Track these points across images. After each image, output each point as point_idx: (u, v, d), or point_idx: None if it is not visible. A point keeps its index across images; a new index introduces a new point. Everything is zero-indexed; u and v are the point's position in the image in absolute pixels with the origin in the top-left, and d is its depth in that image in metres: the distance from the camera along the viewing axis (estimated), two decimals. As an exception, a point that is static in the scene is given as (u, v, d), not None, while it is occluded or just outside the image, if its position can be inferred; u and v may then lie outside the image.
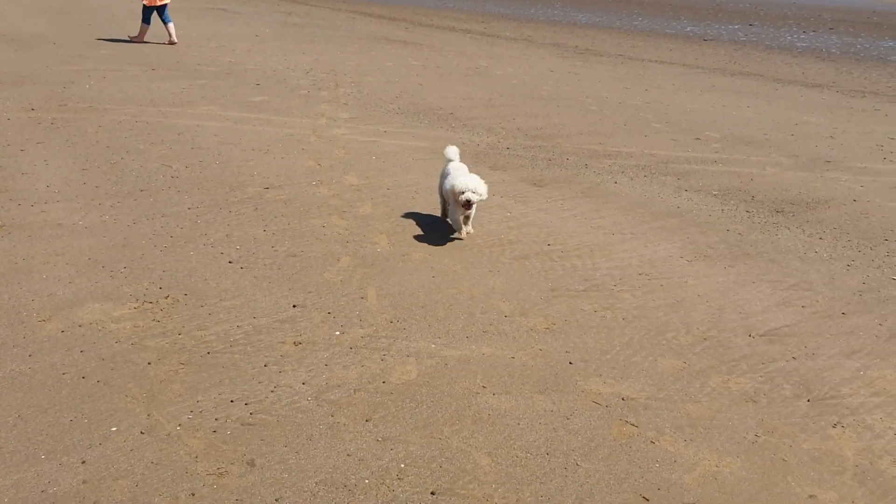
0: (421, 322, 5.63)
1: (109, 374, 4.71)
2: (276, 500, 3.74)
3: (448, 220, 7.44)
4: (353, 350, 5.18)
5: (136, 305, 5.60)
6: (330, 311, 5.71)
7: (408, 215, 7.88)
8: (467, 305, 5.95)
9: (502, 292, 6.20)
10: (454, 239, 7.24)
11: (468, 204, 6.80)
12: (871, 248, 7.83)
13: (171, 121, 11.19)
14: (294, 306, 5.75)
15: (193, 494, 3.74)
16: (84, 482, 3.79)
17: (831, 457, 4.36)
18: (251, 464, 3.97)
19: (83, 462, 3.93)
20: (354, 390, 4.71)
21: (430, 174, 9.22)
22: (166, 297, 5.76)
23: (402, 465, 4.04)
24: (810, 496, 4.02)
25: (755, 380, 5.14)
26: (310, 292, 6.00)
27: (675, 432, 4.49)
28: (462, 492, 3.87)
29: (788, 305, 6.32)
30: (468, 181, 6.82)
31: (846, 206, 9.24)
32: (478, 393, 4.78)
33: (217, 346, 5.12)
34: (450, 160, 7.50)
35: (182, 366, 4.86)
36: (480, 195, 6.86)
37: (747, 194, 9.48)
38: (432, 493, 3.84)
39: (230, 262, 6.41)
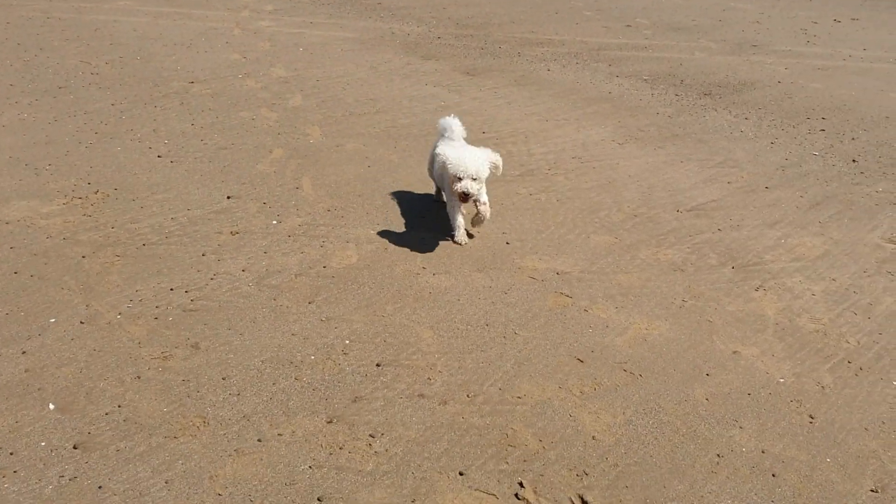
0: (359, 210, 5.64)
1: (43, 269, 4.63)
2: (224, 378, 3.79)
3: (447, 207, 5.38)
4: (291, 238, 5.18)
5: (64, 202, 5.47)
6: (265, 201, 5.67)
7: (339, 106, 7.77)
8: (405, 193, 5.97)
9: (438, 178, 6.23)
10: (390, 131, 7.17)
11: (465, 197, 4.87)
12: (794, 127, 8.07)
13: (86, 17, 10.65)
14: (228, 198, 5.69)
15: (139, 377, 3.78)
16: (26, 371, 3.78)
17: (753, 317, 4.61)
18: (195, 347, 4.00)
19: (23, 353, 3.91)
20: (295, 275, 4.74)
21: (359, 65, 9.05)
22: (96, 193, 5.63)
23: (347, 342, 4.13)
24: (734, 352, 4.26)
25: (683, 251, 5.34)
26: (244, 184, 5.93)
27: (606, 301, 4.67)
28: (406, 362, 3.99)
29: (715, 182, 6.52)
30: (465, 161, 4.82)
31: (771, 87, 9.44)
32: (418, 274, 4.86)
33: (152, 238, 5.07)
34: (444, 135, 5.45)
35: (118, 258, 4.80)
36: (480, 180, 4.92)
37: (676, 78, 9.59)
38: (377, 365, 3.95)
39: (159, 157, 6.27)
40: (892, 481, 3.40)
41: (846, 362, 4.21)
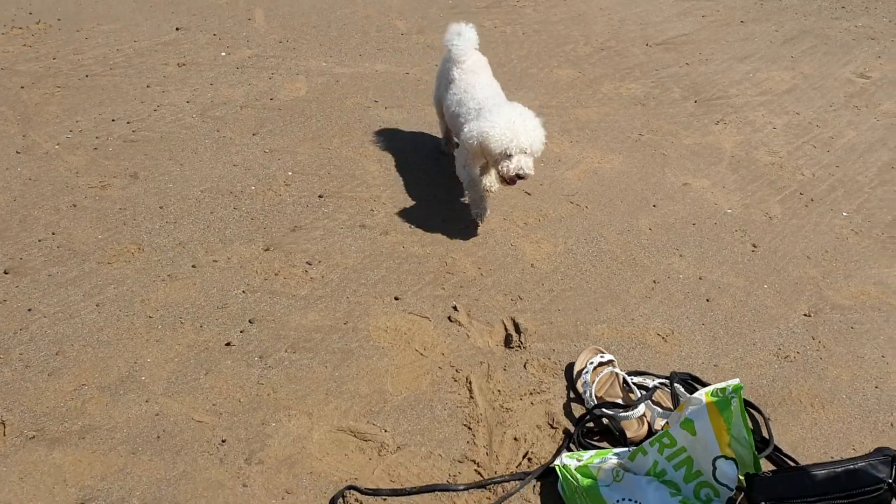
0: (312, 42, 5.41)
1: (-22, 99, 4.48)
2: (161, 207, 3.73)
3: (457, 170, 3.81)
4: (239, 70, 4.99)
5: (3, 31, 5.22)
6: (215, 32, 5.43)
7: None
8: (362, 24, 5.71)
9: (400, 10, 5.95)
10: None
11: (515, 180, 3.50)
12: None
13: None
14: (177, 29, 5.44)
15: (75, 206, 3.71)
16: (-41, 199, 3.71)
17: (710, 150, 4.51)
18: (134, 176, 3.92)
19: (-44, 182, 3.82)
20: (241, 107, 4.59)
21: None
22: (37, 23, 5.37)
23: (290, 173, 4.04)
24: (684, 184, 4.19)
25: (646, 85, 5.17)
26: (194, 15, 5.66)
27: (562, 135, 4.56)
28: (350, 194, 3.92)
29: (689, 15, 6.25)
30: (517, 130, 3.41)
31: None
32: (369, 107, 4.72)
33: (95, 69, 4.87)
34: (455, 55, 3.87)
35: (58, 89, 4.63)
36: (530, 165, 3.48)
37: None
38: (320, 196, 3.89)
39: (105, -14, 5.95)
40: (825, 306, 3.41)
41: (798, 194, 4.16)
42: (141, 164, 4.00)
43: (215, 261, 3.42)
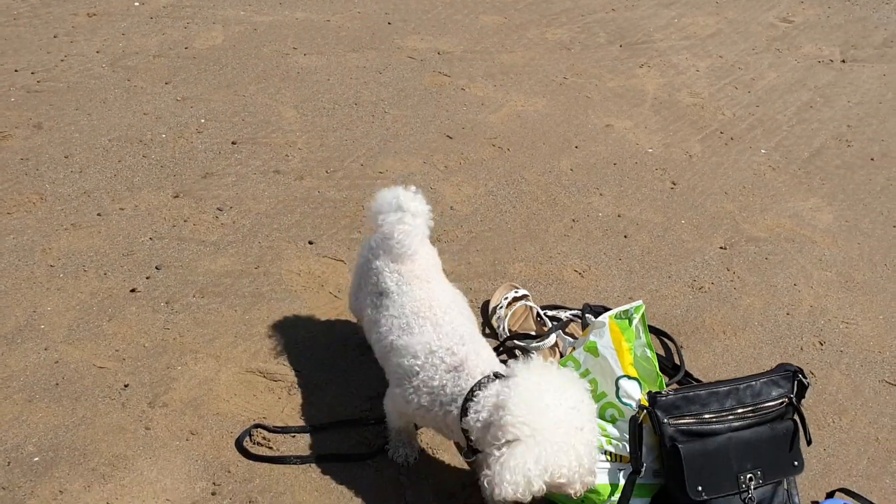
0: (231, -10, 5.24)
1: None
2: (66, 157, 3.58)
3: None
4: (153, 19, 4.81)
5: None
6: (128, -18, 5.22)
7: None
8: (283, -28, 5.54)
9: (322, -42, 5.78)
10: None
11: None
12: None
13: None
14: (87, -21, 5.21)
15: (-27, 157, 3.54)
16: None
17: (633, 92, 4.50)
18: (38, 126, 3.75)
19: None
20: (154, 56, 4.43)
21: None
22: (-65, -26, 5.10)
23: (203, 121, 3.92)
24: (607, 125, 4.18)
25: (572, 30, 5.13)
26: (105, -36, 5.42)
27: (486, 79, 4.50)
28: (265, 140, 3.82)
29: (616, -38, 6.20)
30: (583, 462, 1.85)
31: None
32: (287, 54, 4.59)
33: (-2, 20, 4.65)
34: (393, 247, 2.30)
35: (-43, 40, 4.41)
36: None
37: None
38: (233, 143, 3.78)
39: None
40: (741, 239, 3.44)
41: (718, 133, 4.18)
42: (45, 115, 3.84)
43: (122, 209, 3.30)
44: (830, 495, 2.36)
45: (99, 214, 3.26)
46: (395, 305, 2.23)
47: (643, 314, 2.34)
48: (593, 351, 2.28)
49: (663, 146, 4.01)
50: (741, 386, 2.23)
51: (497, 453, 1.79)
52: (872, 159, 4.05)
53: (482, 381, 1.96)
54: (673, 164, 3.88)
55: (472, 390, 1.94)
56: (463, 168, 3.75)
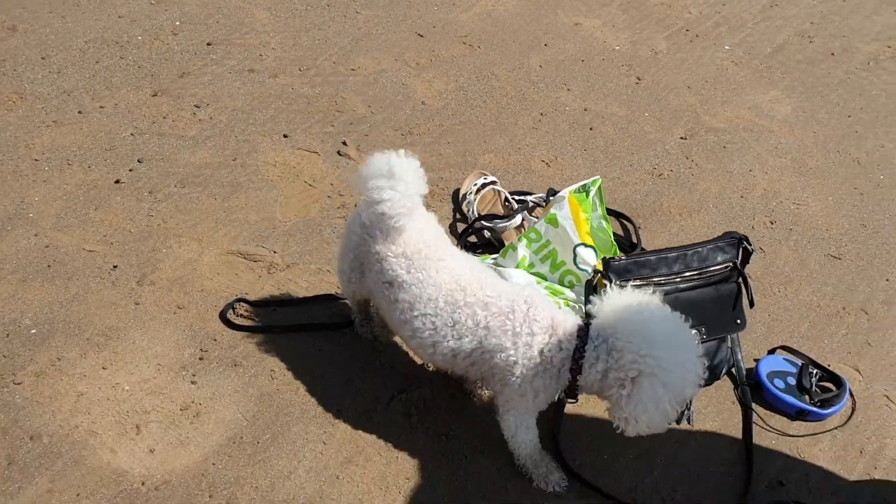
0: None
1: None
2: (43, 58, 3.64)
3: None
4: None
5: None
6: None
7: None
8: None
9: None
10: None
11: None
12: None
13: None
14: None
15: (-50, 59, 3.59)
16: None
17: (601, -8, 4.56)
18: (13, 29, 3.79)
19: None
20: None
21: None
22: None
23: (178, 23, 3.96)
24: (576, 24, 4.26)
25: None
26: None
27: (457, -19, 4.53)
28: (239, 41, 3.88)
29: None
30: None
31: None
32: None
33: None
34: (385, 219, 2.05)
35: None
36: None
37: None
38: (208, 44, 3.84)
39: None
40: (701, 129, 3.59)
41: (684, 30, 4.27)
42: (19, 17, 3.87)
43: (102, 107, 3.39)
44: (772, 352, 2.57)
45: (80, 112, 3.35)
46: (422, 301, 1.99)
47: (600, 187, 2.50)
48: (553, 222, 2.45)
49: (630, 43, 4.12)
50: (689, 252, 2.41)
51: (624, 392, 1.80)
52: (833, 54, 4.18)
53: (580, 333, 1.90)
54: (639, 61, 3.99)
55: (576, 349, 1.89)
56: (434, 65, 3.85)
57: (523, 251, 2.52)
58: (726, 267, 2.43)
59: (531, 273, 2.51)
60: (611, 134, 3.52)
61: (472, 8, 4.29)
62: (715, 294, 2.40)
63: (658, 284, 2.33)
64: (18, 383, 2.32)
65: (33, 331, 2.46)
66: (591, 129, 3.54)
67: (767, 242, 3.03)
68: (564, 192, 2.52)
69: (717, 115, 3.67)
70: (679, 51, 4.10)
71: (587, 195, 2.47)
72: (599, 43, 4.10)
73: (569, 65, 3.92)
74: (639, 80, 3.86)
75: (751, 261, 2.46)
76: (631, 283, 2.27)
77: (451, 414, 2.35)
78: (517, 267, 2.52)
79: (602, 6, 4.42)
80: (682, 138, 3.52)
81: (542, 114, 3.60)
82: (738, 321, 2.44)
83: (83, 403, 2.28)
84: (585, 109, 3.64)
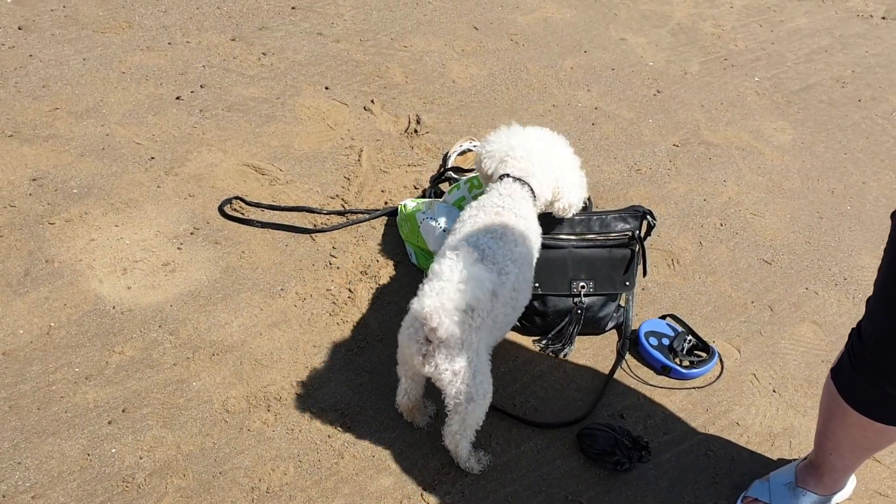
0: None
1: None
2: (156, -1, 4.42)
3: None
4: None
5: None
6: None
7: None
8: None
9: None
10: None
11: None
12: None
13: None
14: None
15: (86, -11, 4.44)
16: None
17: (660, 16, 4.93)
18: (141, -26, 4.60)
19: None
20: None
21: None
22: None
23: (273, -12, 4.66)
24: (621, 38, 4.66)
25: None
26: None
27: (529, -12, 5.02)
28: (320, 9, 4.54)
29: None
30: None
31: None
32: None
33: None
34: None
35: None
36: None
37: None
38: (293, 8, 4.51)
39: None
40: (695, 141, 3.91)
41: (723, 59, 4.58)
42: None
43: (188, 42, 4.12)
44: (663, 319, 2.92)
45: (169, 43, 4.09)
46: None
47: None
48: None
49: (665, 62, 4.47)
50: (593, 217, 2.80)
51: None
52: (860, 100, 4.36)
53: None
54: (665, 77, 4.34)
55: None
56: (476, 53, 4.35)
57: (463, 192, 2.97)
58: (625, 235, 2.79)
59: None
60: (609, 131, 3.90)
61: (532, 12, 4.77)
62: (607, 255, 2.77)
63: (556, 239, 2.73)
64: (52, 223, 3.02)
65: (75, 191, 3.16)
66: (593, 124, 3.93)
67: (709, 239, 3.34)
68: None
69: (717, 132, 3.98)
70: (708, 74, 4.41)
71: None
72: (636, 57, 4.48)
73: (598, 71, 4.33)
74: (658, 92, 4.22)
75: (653, 234, 2.82)
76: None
77: (371, 312, 2.86)
78: (454, 204, 2.98)
79: (654, 27, 4.79)
80: (674, 145, 3.86)
81: (554, 105, 4.03)
82: (627, 283, 2.80)
83: (91, 246, 2.95)
84: (596, 108, 4.04)
